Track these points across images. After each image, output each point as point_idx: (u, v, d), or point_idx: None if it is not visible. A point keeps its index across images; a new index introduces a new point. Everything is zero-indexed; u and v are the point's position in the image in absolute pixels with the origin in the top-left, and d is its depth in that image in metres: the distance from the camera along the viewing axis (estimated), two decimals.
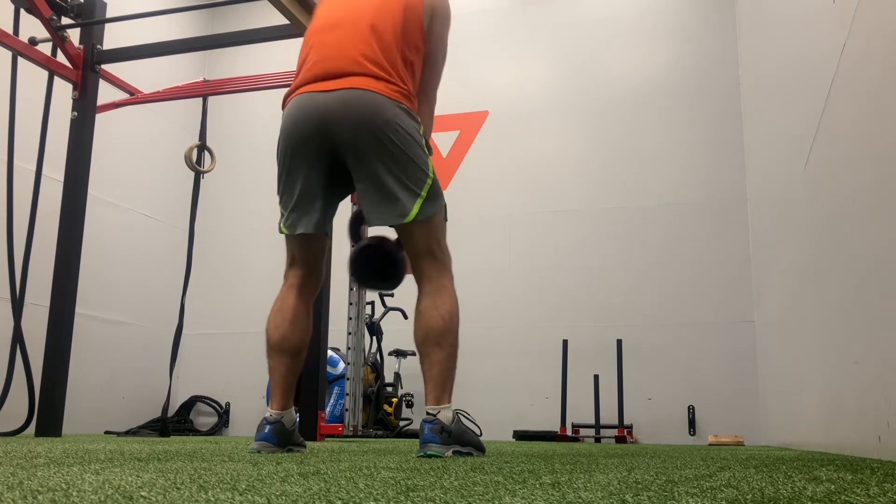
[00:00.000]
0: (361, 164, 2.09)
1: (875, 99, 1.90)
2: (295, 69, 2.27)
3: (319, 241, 2.23)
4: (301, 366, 2.24)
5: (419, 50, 2.22)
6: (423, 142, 2.16)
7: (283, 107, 2.22)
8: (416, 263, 2.15)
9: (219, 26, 6.97)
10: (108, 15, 4.38)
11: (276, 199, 2.24)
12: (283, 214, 2.22)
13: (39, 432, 3.74)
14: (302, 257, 2.23)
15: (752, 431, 5.23)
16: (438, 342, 2.06)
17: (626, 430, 5.18)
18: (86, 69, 4.21)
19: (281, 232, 2.23)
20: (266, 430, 2.13)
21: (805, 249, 3.12)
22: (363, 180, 2.10)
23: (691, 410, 5.43)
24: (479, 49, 6.46)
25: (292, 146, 2.14)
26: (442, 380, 2.04)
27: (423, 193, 2.09)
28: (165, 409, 4.45)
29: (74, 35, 4.27)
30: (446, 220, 2.22)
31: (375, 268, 2.34)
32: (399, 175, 2.07)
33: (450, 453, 1.95)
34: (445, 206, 2.20)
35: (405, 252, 2.20)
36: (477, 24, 6.54)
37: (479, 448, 2.10)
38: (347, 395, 4.51)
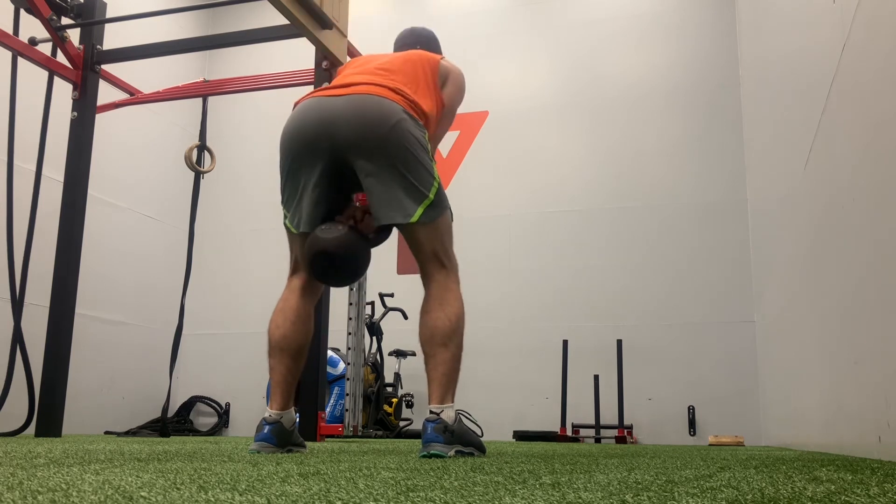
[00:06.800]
0: (369, 163, 2.09)
1: (875, 99, 1.90)
2: (293, 70, 2.28)
3: None
4: (302, 367, 2.25)
5: (433, 100, 2.29)
6: (429, 150, 2.19)
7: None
8: (422, 266, 2.17)
9: (219, 26, 6.97)
10: (108, 15, 4.38)
11: (277, 199, 2.25)
12: (285, 214, 2.24)
13: (39, 432, 3.74)
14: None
15: (752, 431, 5.23)
16: (444, 343, 2.06)
17: (626, 431, 5.18)
18: (86, 69, 4.21)
19: (287, 228, 2.24)
20: (265, 431, 2.13)
21: (805, 249, 3.11)
22: (370, 178, 2.10)
23: (691, 410, 5.43)
24: (479, 49, 6.46)
25: (296, 147, 2.16)
26: (446, 380, 2.05)
27: (431, 195, 2.12)
28: (165, 409, 4.46)
29: (74, 35, 4.27)
30: (452, 221, 2.23)
31: (336, 270, 2.22)
32: (405, 174, 2.09)
33: (452, 453, 1.96)
34: (452, 213, 2.23)
35: (412, 253, 2.20)
36: (477, 23, 6.54)
37: (481, 448, 2.11)
38: (347, 395, 4.51)
